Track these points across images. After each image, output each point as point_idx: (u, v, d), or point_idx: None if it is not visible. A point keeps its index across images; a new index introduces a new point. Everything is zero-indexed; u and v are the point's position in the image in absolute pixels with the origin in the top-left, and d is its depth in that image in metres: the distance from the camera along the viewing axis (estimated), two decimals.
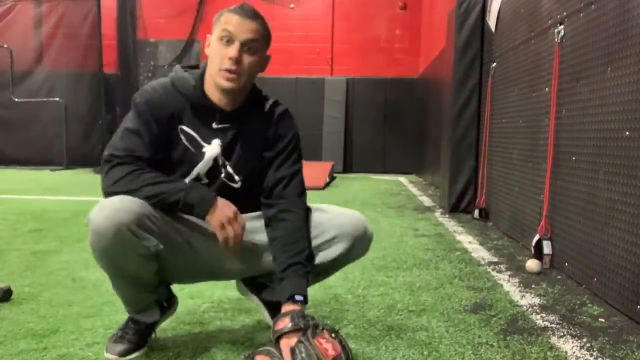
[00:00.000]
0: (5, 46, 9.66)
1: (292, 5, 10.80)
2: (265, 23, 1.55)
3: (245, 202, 1.59)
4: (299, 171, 1.65)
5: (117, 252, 1.40)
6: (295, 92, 10.47)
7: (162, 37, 10.77)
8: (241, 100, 1.60)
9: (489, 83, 4.29)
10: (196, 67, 1.64)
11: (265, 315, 1.76)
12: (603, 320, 1.99)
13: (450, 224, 4.15)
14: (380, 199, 5.95)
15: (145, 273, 1.50)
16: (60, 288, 2.25)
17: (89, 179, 7.64)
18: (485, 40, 4.49)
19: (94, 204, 1.41)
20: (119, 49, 10.40)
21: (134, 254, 1.41)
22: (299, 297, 1.47)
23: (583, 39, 2.51)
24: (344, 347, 1.41)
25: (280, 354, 1.39)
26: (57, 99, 9.61)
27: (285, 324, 1.42)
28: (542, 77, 3.07)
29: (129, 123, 1.54)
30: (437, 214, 4.75)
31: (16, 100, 9.70)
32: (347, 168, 10.31)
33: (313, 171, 7.62)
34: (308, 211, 1.62)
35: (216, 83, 1.53)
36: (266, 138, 1.64)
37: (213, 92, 1.57)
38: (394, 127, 10.33)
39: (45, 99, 9.70)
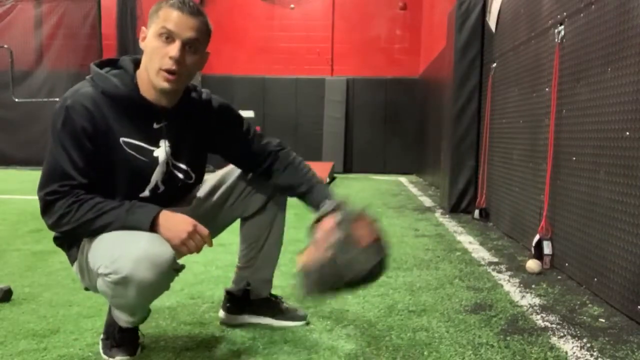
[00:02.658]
0: (5, 46, 9.65)
1: (292, 6, 10.80)
2: (206, 19, 1.45)
3: (194, 187, 1.67)
4: (252, 130, 1.68)
5: (159, 291, 1.39)
6: (295, 92, 10.47)
7: None
8: (179, 96, 1.51)
9: (489, 83, 4.29)
10: (114, 62, 1.50)
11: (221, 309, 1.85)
12: (603, 320, 1.99)
13: (450, 224, 4.15)
14: (380, 199, 5.94)
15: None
16: (60, 288, 2.25)
17: None
18: (485, 40, 4.49)
19: None
20: (119, 49, 10.38)
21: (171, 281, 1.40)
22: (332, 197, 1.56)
23: (583, 39, 2.51)
24: (381, 241, 1.41)
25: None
26: (57, 99, 9.56)
27: (327, 205, 1.48)
28: (542, 77, 3.07)
29: (56, 151, 1.38)
30: (437, 214, 4.75)
31: (16, 100, 9.70)
32: (347, 168, 10.30)
33: None
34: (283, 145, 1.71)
35: (154, 83, 1.41)
36: (210, 127, 1.60)
37: (148, 90, 1.44)
38: (394, 127, 10.33)
39: (45, 99, 9.68)
